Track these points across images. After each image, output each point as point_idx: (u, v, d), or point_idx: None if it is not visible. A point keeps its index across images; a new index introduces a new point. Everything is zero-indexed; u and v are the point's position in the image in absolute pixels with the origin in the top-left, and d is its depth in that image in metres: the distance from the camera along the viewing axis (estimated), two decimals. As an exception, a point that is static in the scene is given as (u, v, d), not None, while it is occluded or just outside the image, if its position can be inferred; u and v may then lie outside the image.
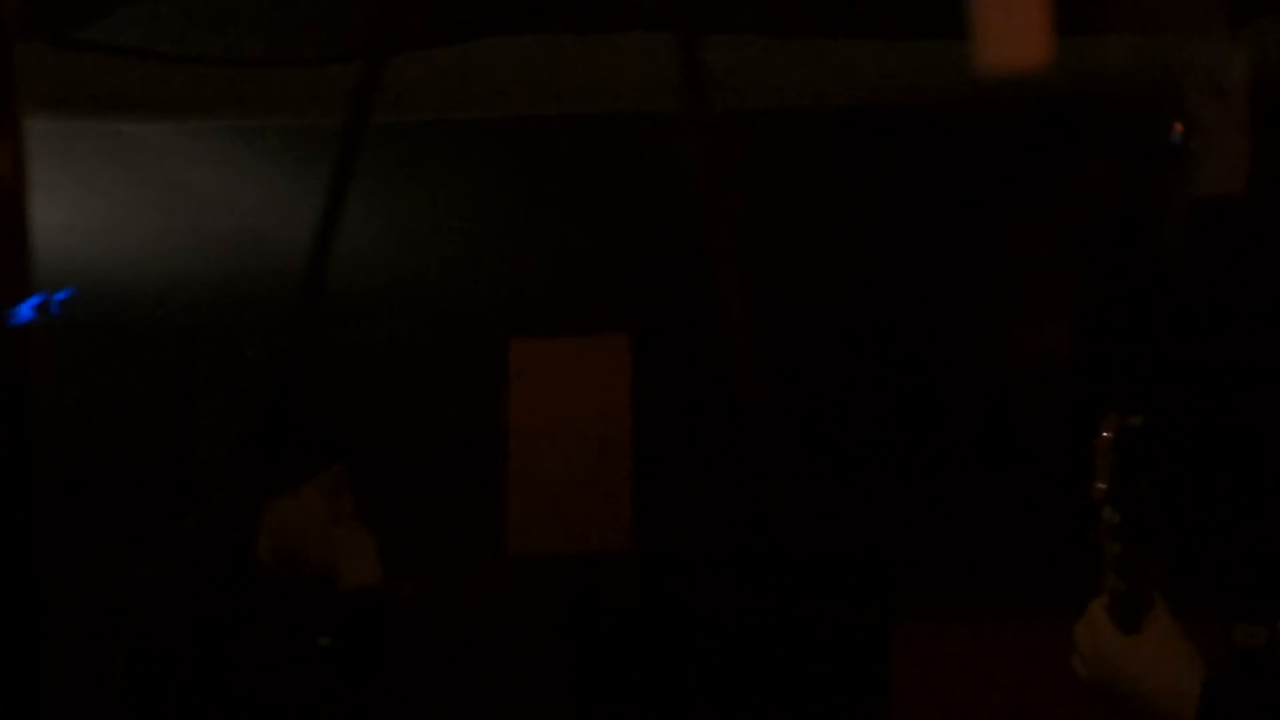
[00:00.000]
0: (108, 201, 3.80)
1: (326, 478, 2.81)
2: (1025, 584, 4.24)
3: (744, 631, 4.60)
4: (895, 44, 3.01)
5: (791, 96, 3.13)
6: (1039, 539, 4.30)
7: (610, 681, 4.63)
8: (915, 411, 4.51)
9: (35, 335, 1.21)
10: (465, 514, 4.56)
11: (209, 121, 3.29)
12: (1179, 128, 2.12)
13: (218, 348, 4.63)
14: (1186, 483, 3.77)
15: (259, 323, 4.41)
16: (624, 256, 4.23)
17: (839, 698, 4.50)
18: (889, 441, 4.54)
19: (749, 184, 3.66)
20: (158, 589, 2.70)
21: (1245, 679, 1.87)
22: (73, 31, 3.03)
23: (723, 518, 4.57)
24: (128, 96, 3.14)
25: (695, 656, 4.63)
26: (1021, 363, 4.07)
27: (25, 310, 1.21)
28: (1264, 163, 2.07)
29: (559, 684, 4.56)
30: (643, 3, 2.90)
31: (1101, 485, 1.92)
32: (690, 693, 4.62)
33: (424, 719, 2.83)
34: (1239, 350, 2.22)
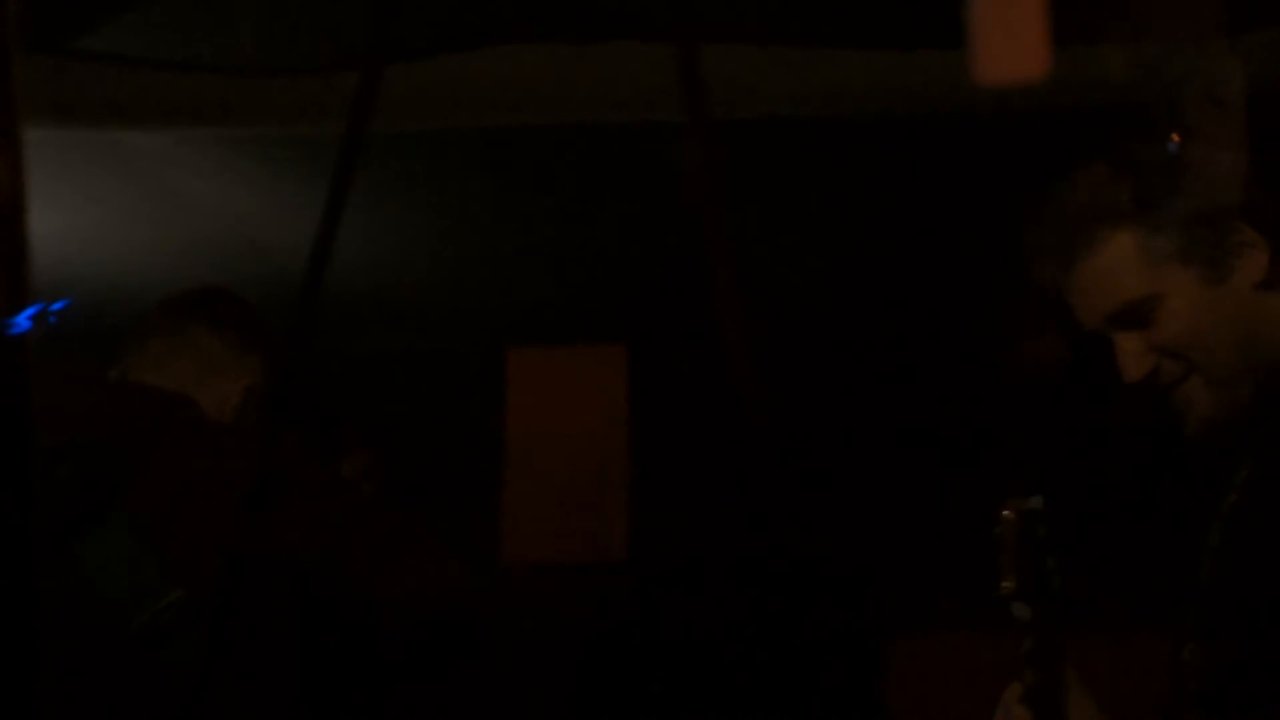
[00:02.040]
0: (104, 210, 3.80)
1: (360, 456, 2.83)
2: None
3: (740, 642, 4.59)
4: (893, 54, 3.02)
5: (790, 106, 3.13)
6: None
7: (605, 692, 4.63)
8: (913, 421, 4.51)
9: (33, 344, 1.21)
10: (461, 523, 4.56)
11: (207, 130, 3.30)
12: (1176, 138, 2.12)
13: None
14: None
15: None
16: (621, 266, 4.23)
17: (836, 708, 4.50)
18: (886, 451, 4.54)
19: (747, 194, 3.66)
20: None
21: None
22: (70, 41, 3.03)
23: (719, 528, 4.57)
24: (125, 105, 3.14)
25: (691, 668, 4.63)
26: (1020, 371, 4.07)
27: (23, 320, 1.21)
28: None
29: (554, 695, 4.55)
30: (641, 12, 2.90)
31: (1008, 583, 1.92)
32: (686, 704, 4.61)
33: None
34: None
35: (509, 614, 4.53)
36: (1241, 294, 2.02)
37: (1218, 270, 2.01)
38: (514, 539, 4.52)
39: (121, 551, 2.47)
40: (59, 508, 2.46)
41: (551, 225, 4.05)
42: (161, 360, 2.79)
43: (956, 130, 3.34)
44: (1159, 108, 2.14)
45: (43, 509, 2.45)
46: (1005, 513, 1.96)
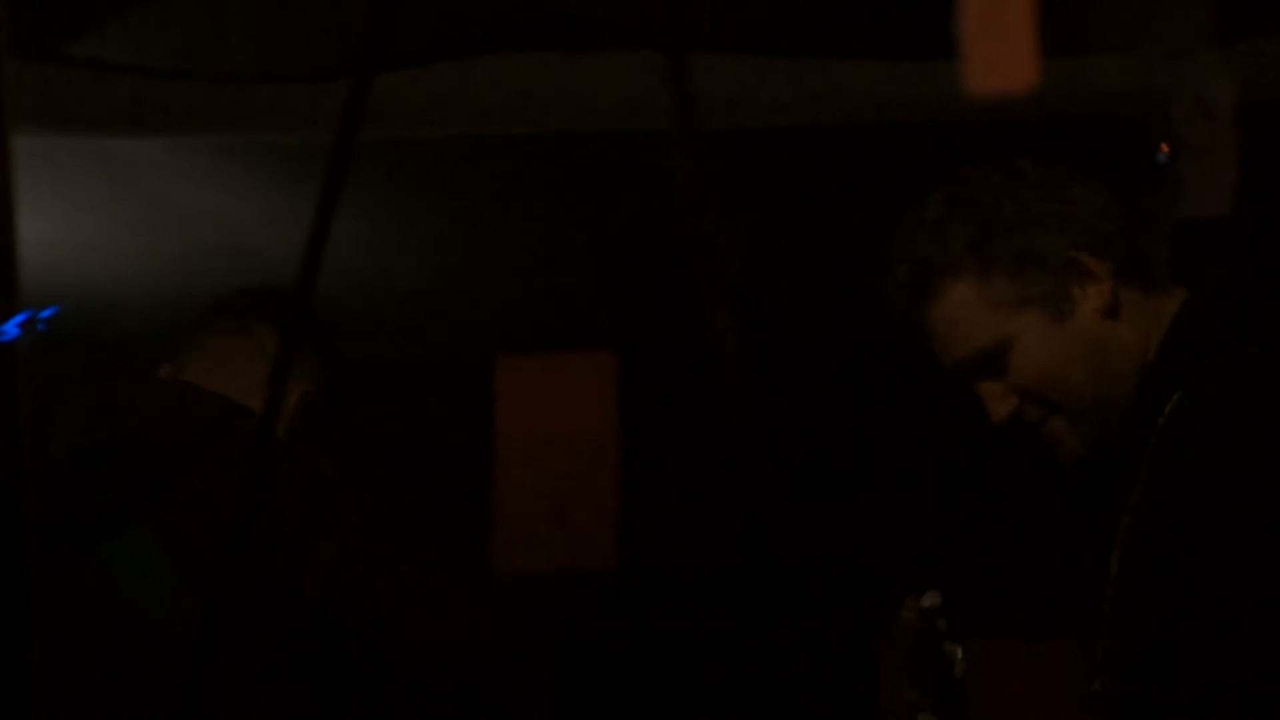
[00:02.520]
0: (93, 217, 3.80)
1: None
2: (1009, 601, 4.24)
3: (728, 651, 4.59)
4: (883, 64, 3.02)
5: (780, 115, 3.13)
6: (1024, 556, 4.30)
7: (593, 701, 4.62)
8: (902, 428, 4.51)
9: (21, 350, 1.21)
10: (450, 531, 4.55)
11: (196, 137, 3.29)
12: (1165, 149, 2.12)
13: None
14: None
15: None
16: (611, 274, 4.23)
17: (826, 713, 4.50)
18: (875, 458, 4.54)
19: (737, 203, 3.66)
20: None
21: None
22: (59, 47, 3.03)
23: (709, 537, 4.57)
24: (114, 112, 3.13)
25: (680, 676, 4.62)
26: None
27: (11, 327, 1.20)
28: None
29: (542, 704, 4.55)
30: (631, 21, 2.90)
31: (911, 693, 1.91)
32: (676, 711, 4.61)
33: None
34: None
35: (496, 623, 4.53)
36: (1088, 327, 2.00)
37: (1059, 308, 1.99)
38: (503, 548, 4.52)
39: (146, 555, 2.42)
40: (93, 503, 2.41)
41: (542, 233, 4.05)
42: (222, 359, 2.71)
43: (947, 140, 3.34)
44: (1151, 118, 2.14)
45: (79, 502, 2.42)
46: (905, 614, 1.94)
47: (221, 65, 3.12)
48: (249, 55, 3.13)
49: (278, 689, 2.47)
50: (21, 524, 1.19)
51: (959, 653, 1.91)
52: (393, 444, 4.63)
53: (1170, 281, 2.01)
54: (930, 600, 1.93)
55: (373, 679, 2.63)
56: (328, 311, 3.44)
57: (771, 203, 3.75)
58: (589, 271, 4.23)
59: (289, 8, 3.03)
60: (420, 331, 4.58)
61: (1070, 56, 2.79)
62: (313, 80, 3.05)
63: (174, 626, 2.38)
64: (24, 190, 1.27)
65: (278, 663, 2.45)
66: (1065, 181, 2.02)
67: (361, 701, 2.66)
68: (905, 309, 2.06)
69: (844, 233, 3.99)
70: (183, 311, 4.42)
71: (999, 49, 0.98)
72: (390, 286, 4.28)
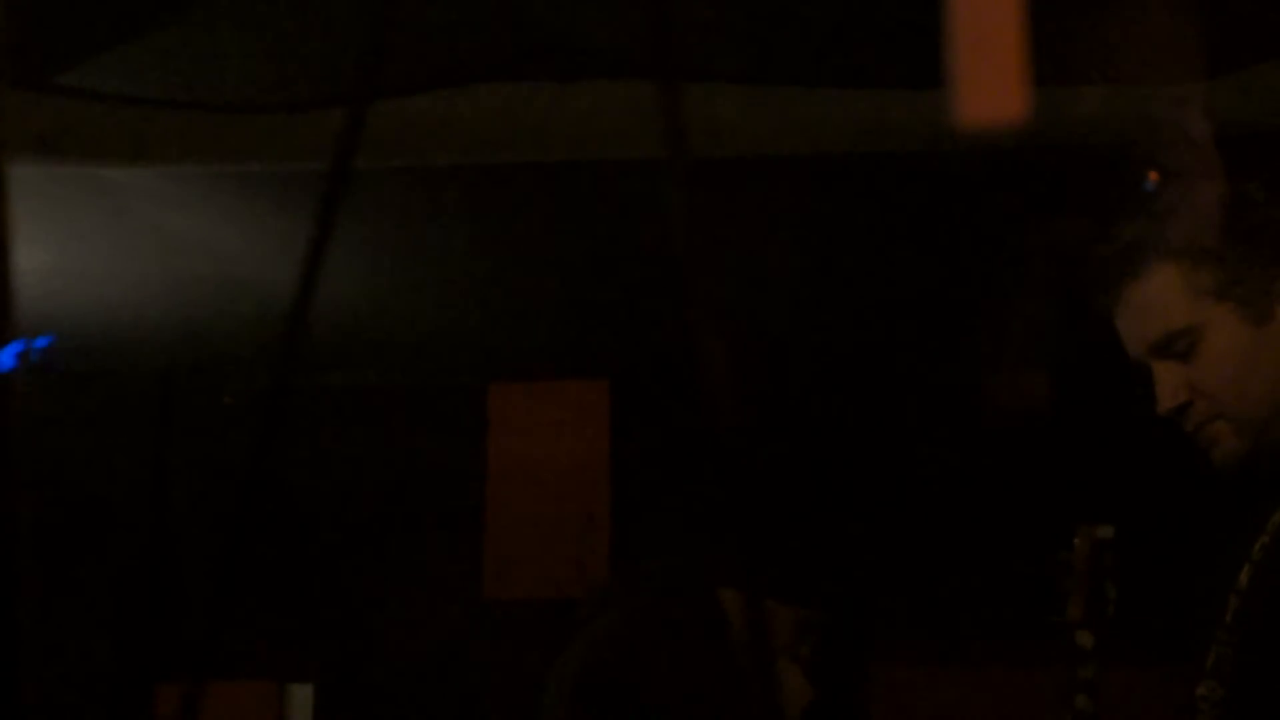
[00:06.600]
0: (88, 247, 3.80)
1: (803, 614, 2.89)
2: (1003, 629, 4.24)
3: (722, 676, 4.58)
4: (873, 93, 3.03)
5: (770, 144, 3.15)
6: (1016, 585, 4.30)
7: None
8: (894, 457, 4.52)
9: (14, 382, 1.21)
10: (443, 558, 4.55)
11: (191, 167, 3.30)
12: (1154, 177, 2.14)
13: (196, 394, 4.63)
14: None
15: (239, 369, 4.41)
16: (603, 302, 4.24)
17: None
18: (868, 486, 4.55)
19: (728, 231, 3.67)
20: (618, 639, 2.72)
21: None
22: (53, 76, 3.04)
23: (700, 563, 4.56)
24: (109, 141, 3.14)
25: (671, 703, 4.61)
26: (999, 411, 4.08)
27: (5, 358, 1.21)
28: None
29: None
30: (623, 51, 2.92)
31: (1075, 610, 1.95)
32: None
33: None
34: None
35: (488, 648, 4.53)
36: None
37: (1258, 311, 2.04)
38: (495, 574, 4.52)
39: None
40: None
41: (534, 261, 4.06)
42: None
43: (936, 168, 3.35)
44: (1138, 148, 2.16)
45: None
46: (1076, 540, 1.99)
47: (216, 95, 3.13)
48: (243, 85, 3.14)
49: None
50: (10, 547, 1.19)
51: (1115, 593, 1.95)
52: (385, 471, 4.64)
53: None
54: (1103, 533, 1.97)
55: None
56: (322, 339, 3.43)
57: (763, 231, 3.77)
58: (581, 299, 4.24)
59: (283, 38, 3.05)
60: (413, 358, 4.58)
61: (1057, 85, 2.81)
62: (306, 109, 3.06)
63: None
64: (19, 219, 1.27)
65: None
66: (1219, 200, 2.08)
67: None
68: (1106, 285, 2.09)
69: (835, 260, 4.00)
70: (176, 340, 4.44)
71: (988, 79, 0.99)
72: (385, 313, 4.29)
